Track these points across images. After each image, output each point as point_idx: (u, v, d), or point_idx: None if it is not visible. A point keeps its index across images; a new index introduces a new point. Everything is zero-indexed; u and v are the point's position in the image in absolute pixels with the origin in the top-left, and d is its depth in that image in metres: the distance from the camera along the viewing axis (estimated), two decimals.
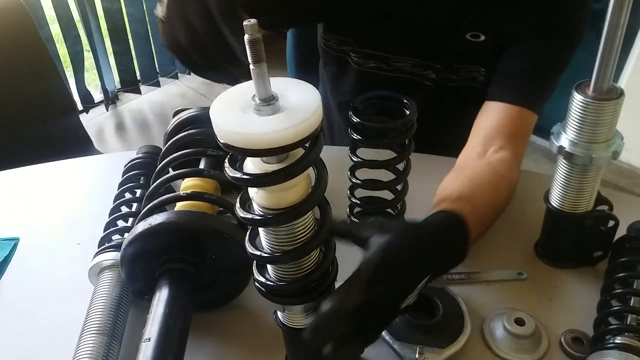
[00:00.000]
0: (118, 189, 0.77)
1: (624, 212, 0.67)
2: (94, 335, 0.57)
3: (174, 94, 2.76)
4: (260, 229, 0.46)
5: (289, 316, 0.51)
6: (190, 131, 0.71)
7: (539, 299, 0.66)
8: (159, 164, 0.70)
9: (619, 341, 0.54)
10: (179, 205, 0.65)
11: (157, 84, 2.70)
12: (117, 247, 0.65)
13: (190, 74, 2.84)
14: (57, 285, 0.70)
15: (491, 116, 0.79)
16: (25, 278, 0.72)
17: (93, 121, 2.59)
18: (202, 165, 0.75)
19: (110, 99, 2.61)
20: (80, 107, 2.51)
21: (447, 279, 0.67)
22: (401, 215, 0.72)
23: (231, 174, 0.41)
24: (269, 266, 0.48)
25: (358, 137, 0.64)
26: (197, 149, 0.69)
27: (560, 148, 0.59)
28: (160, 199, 0.61)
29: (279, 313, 0.52)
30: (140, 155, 0.82)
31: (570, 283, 0.68)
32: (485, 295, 0.66)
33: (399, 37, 0.89)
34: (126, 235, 0.68)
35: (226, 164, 0.42)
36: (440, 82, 0.90)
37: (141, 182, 0.78)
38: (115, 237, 0.69)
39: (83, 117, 2.54)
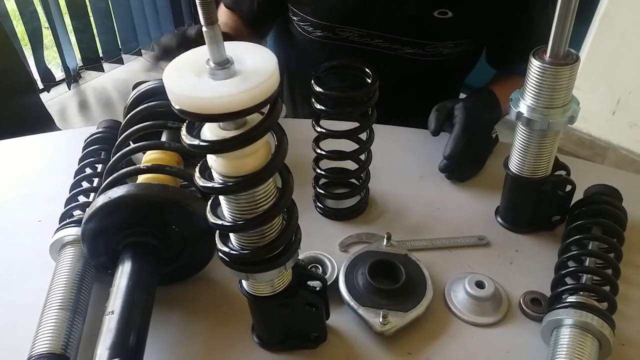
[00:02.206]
0: (78, 164, 0.75)
1: (581, 178, 0.69)
2: (56, 310, 0.56)
3: (138, 70, 2.69)
4: (222, 198, 0.45)
5: (253, 285, 0.52)
6: (150, 104, 0.69)
7: (499, 263, 0.67)
8: (119, 138, 0.68)
9: (573, 299, 0.57)
10: (141, 179, 0.64)
11: (120, 61, 2.61)
12: (78, 222, 0.64)
13: (154, 50, 2.76)
14: (18, 262, 0.69)
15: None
16: None
17: (55, 100, 2.50)
18: (163, 139, 0.74)
19: (72, 77, 2.52)
20: (40, 85, 2.42)
21: (410, 245, 0.69)
22: (365, 184, 0.73)
23: (188, 142, 0.40)
24: (232, 235, 0.48)
25: (320, 107, 0.64)
26: (157, 122, 0.67)
27: (519, 114, 0.60)
28: (121, 172, 0.60)
29: (243, 282, 0.53)
30: (100, 129, 0.80)
31: (529, 247, 0.70)
32: (448, 261, 0.68)
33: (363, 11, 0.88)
34: (86, 210, 0.67)
35: (183, 132, 0.41)
36: (406, 56, 0.90)
37: (102, 156, 0.76)
38: (77, 212, 0.67)
39: (44, 96, 2.46)
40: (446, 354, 0.58)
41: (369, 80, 0.63)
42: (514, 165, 0.66)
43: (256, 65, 0.38)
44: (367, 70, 0.63)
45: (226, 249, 0.48)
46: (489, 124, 0.80)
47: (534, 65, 0.57)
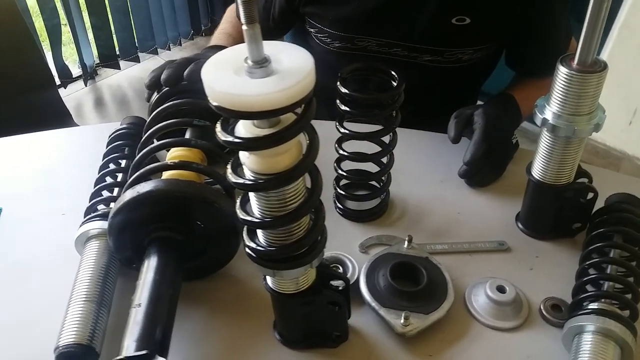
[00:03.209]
0: (103, 160, 0.76)
1: (602, 186, 0.69)
2: (82, 302, 0.57)
3: None
4: (252, 194, 0.46)
5: (279, 282, 0.52)
6: (176, 102, 0.70)
7: (520, 268, 0.68)
8: (144, 134, 0.69)
9: (595, 306, 0.57)
10: (166, 175, 0.65)
11: (137, 59, 2.64)
12: (103, 216, 0.65)
13: (170, 49, 2.79)
14: (43, 255, 0.70)
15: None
16: (10, 248, 0.71)
17: (71, 96, 2.53)
18: (187, 136, 0.74)
19: (89, 74, 2.55)
20: (57, 81, 2.45)
21: (431, 248, 0.69)
22: (386, 187, 0.73)
23: (223, 138, 0.41)
24: (259, 232, 0.49)
25: (346, 108, 0.65)
26: (183, 119, 0.68)
27: (544, 120, 0.60)
28: (148, 167, 0.61)
29: (268, 279, 0.53)
30: (124, 126, 0.81)
31: (550, 253, 0.70)
32: (468, 265, 0.68)
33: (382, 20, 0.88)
34: (112, 204, 0.68)
35: (218, 128, 0.42)
36: (425, 63, 0.91)
37: (125, 152, 0.77)
38: (101, 207, 0.69)
39: (61, 92, 2.48)
40: (467, 357, 0.58)
41: (394, 83, 0.64)
42: (537, 171, 0.66)
43: (293, 64, 0.38)
44: (392, 73, 0.64)
45: (253, 245, 0.48)
46: (509, 129, 0.80)
47: (562, 72, 0.57)
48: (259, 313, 0.62)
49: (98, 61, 2.60)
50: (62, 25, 2.38)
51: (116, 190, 0.71)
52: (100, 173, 0.73)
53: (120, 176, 0.73)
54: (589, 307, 0.57)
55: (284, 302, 0.54)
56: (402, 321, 0.58)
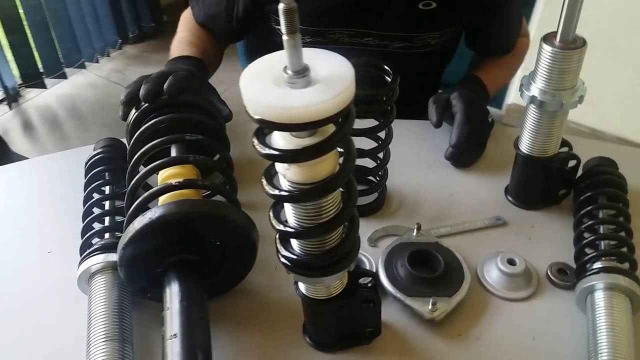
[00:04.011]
0: (85, 190, 0.72)
1: (577, 153, 0.73)
2: (103, 342, 0.54)
3: (84, 85, 2.57)
4: (288, 204, 0.45)
5: (314, 288, 0.52)
6: (162, 117, 0.67)
7: (519, 240, 0.71)
8: (133, 156, 0.66)
9: (600, 265, 0.61)
10: (166, 197, 0.62)
11: (63, 76, 2.49)
12: (104, 249, 0.62)
13: (98, 62, 2.66)
14: (38, 297, 0.65)
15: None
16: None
17: None
18: (173, 153, 0.72)
19: (12, 97, 2.38)
20: None
21: (436, 233, 0.71)
22: (384, 181, 0.74)
23: (263, 151, 0.40)
24: (294, 241, 0.48)
25: None
26: (175, 135, 0.66)
27: (533, 98, 0.63)
28: (151, 191, 0.58)
29: (302, 286, 0.53)
30: (99, 150, 0.77)
31: (542, 221, 0.74)
32: (471, 243, 0.70)
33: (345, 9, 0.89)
34: (107, 235, 0.64)
35: (255, 142, 0.41)
36: (396, 50, 0.92)
37: (107, 178, 0.74)
38: (95, 240, 0.65)
39: None
40: (493, 331, 0.60)
41: (388, 78, 0.65)
42: (525, 145, 0.69)
43: (332, 71, 0.38)
44: (386, 67, 0.65)
45: (289, 254, 0.48)
46: (484, 109, 0.84)
47: (546, 50, 0.60)
48: (285, 322, 0.61)
49: (20, 81, 2.43)
50: None
51: (107, 219, 0.68)
52: (87, 205, 0.69)
53: (107, 204, 0.70)
54: (594, 267, 0.61)
55: (319, 307, 0.54)
56: (429, 307, 0.59)
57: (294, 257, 0.48)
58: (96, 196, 0.71)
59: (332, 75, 0.37)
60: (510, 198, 0.76)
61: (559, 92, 0.62)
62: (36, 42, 2.35)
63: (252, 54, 1.24)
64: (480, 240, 0.71)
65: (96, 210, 0.69)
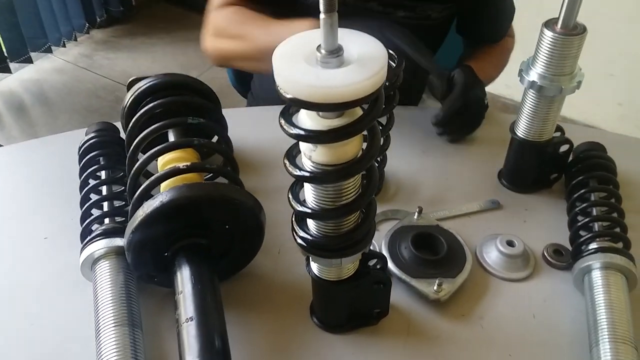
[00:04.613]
0: (80, 176, 0.70)
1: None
2: (113, 327, 0.53)
3: (50, 70, 2.48)
4: (309, 185, 0.45)
5: (327, 270, 0.52)
6: (162, 101, 0.66)
7: (515, 222, 0.73)
8: (133, 140, 0.64)
9: (595, 246, 0.63)
10: (170, 182, 0.61)
11: (29, 60, 2.39)
12: (105, 234, 0.60)
13: (65, 46, 2.57)
14: (37, 284, 0.64)
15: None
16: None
17: None
18: (172, 138, 0.71)
19: None
20: None
21: (434, 216, 0.72)
22: (383, 166, 0.75)
23: (292, 131, 0.40)
24: (311, 222, 0.48)
25: None
26: (177, 119, 0.65)
27: (532, 83, 0.65)
28: (159, 174, 0.57)
29: (315, 268, 0.53)
30: (92, 135, 0.75)
31: (536, 204, 0.76)
32: (469, 226, 0.72)
33: None
34: (107, 220, 0.63)
35: (282, 122, 0.40)
36: (398, 19, 0.92)
37: (102, 163, 0.72)
38: (95, 226, 0.63)
39: None
40: (495, 311, 0.62)
41: (393, 64, 0.65)
42: (521, 130, 0.71)
43: (365, 52, 0.38)
44: (391, 52, 0.65)
45: (307, 236, 0.48)
46: (483, 88, 0.84)
47: (547, 35, 0.62)
48: (292, 304, 0.62)
49: None
50: None
51: (106, 204, 0.66)
52: (84, 190, 0.67)
53: (105, 189, 0.68)
54: (590, 247, 0.63)
55: (331, 289, 0.55)
56: (435, 288, 0.61)
57: (311, 238, 0.49)
58: (92, 182, 0.69)
59: (365, 56, 0.38)
60: (504, 182, 0.78)
61: (558, 78, 0.64)
62: (0, 25, 2.25)
63: None
64: (477, 223, 0.73)
65: (94, 196, 0.68)
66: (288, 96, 0.37)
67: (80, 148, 0.73)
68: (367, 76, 0.36)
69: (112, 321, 0.54)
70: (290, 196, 0.47)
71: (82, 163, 0.71)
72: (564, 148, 0.75)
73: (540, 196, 0.77)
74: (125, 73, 2.49)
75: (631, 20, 1.88)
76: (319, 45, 0.37)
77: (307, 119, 0.40)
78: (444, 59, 1.08)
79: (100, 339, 0.53)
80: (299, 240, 0.49)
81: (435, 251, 0.65)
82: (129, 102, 0.71)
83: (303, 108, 0.39)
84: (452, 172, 0.80)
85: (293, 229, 0.49)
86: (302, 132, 0.39)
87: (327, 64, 0.37)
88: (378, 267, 0.56)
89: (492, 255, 0.67)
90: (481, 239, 0.69)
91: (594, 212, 0.68)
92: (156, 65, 2.58)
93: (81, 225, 0.64)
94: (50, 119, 2.26)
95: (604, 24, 1.68)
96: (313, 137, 0.40)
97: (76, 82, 2.45)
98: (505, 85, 2.28)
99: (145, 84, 0.70)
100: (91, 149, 0.73)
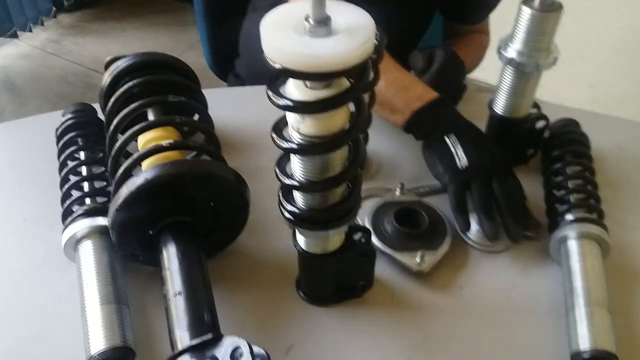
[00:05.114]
0: (59, 157, 0.68)
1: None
2: (100, 305, 0.53)
3: (17, 55, 2.41)
4: (297, 158, 0.46)
5: (314, 243, 0.53)
6: (141, 80, 0.65)
7: None
8: (111, 122, 0.63)
9: (571, 217, 0.65)
10: (149, 161, 0.60)
11: None
12: (87, 214, 0.60)
13: (31, 31, 2.49)
14: (26, 264, 0.63)
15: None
16: None
17: None
18: (150, 117, 0.70)
19: None
20: None
21: (415, 192, 0.73)
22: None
23: (282, 102, 0.40)
24: (298, 195, 0.49)
25: None
26: (158, 97, 0.64)
27: (510, 59, 0.66)
28: (142, 151, 0.57)
29: (302, 241, 0.54)
30: (69, 116, 0.73)
31: None
32: (446, 201, 0.73)
33: None
34: (88, 200, 0.62)
35: (270, 93, 0.41)
36: None
37: (80, 144, 0.70)
38: (76, 207, 0.63)
39: None
40: (475, 281, 0.64)
41: (375, 41, 0.65)
42: (499, 106, 0.73)
43: (352, 22, 0.38)
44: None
45: (294, 209, 0.49)
46: (461, 68, 0.86)
47: (525, 12, 0.63)
48: (278, 280, 0.62)
49: None
50: None
51: (86, 185, 0.65)
52: (63, 172, 0.66)
53: (84, 170, 0.67)
54: (566, 218, 0.65)
55: (317, 262, 0.55)
56: (417, 260, 0.62)
57: (298, 211, 0.49)
58: (71, 163, 0.68)
59: (353, 26, 0.38)
60: None
61: (535, 54, 0.65)
62: None
63: (213, 14, 1.20)
64: None
65: (73, 178, 0.67)
66: (276, 66, 0.37)
67: (57, 130, 0.72)
68: (356, 45, 0.36)
69: (98, 299, 0.53)
70: (277, 170, 0.47)
71: (60, 144, 0.70)
72: (541, 124, 0.76)
73: (517, 172, 0.78)
74: (95, 59, 2.43)
75: (602, 3, 1.92)
76: (307, 16, 0.37)
77: (294, 91, 0.41)
78: (425, 42, 1.10)
79: (87, 316, 0.52)
80: (287, 214, 0.49)
81: (417, 225, 0.66)
82: (108, 81, 0.69)
83: (292, 77, 0.39)
84: None
85: (280, 203, 0.50)
86: (290, 103, 0.40)
87: (315, 34, 0.37)
88: (363, 240, 0.57)
89: (471, 228, 0.68)
90: None
91: (570, 185, 0.70)
92: (127, 50, 2.50)
93: (62, 207, 0.63)
94: (18, 106, 2.20)
95: (575, 6, 1.72)
96: (302, 107, 0.40)
97: (44, 68, 2.39)
98: (481, 69, 2.32)
99: (124, 63, 0.69)
100: (69, 130, 0.71)
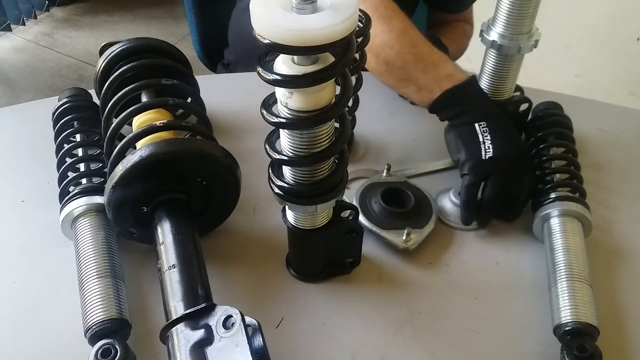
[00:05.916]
0: (55, 139, 0.70)
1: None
2: (97, 279, 0.54)
3: (10, 48, 2.41)
4: (285, 133, 0.48)
5: (303, 218, 0.55)
6: (134, 64, 0.67)
7: None
8: (106, 105, 0.65)
9: (555, 196, 0.67)
10: (143, 142, 0.62)
11: None
12: (84, 192, 0.62)
13: (24, 24, 2.49)
14: (17, 245, 0.64)
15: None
16: None
17: None
18: (144, 99, 0.71)
19: None
20: None
21: (402, 174, 0.75)
22: (352, 128, 0.77)
23: (271, 77, 0.42)
24: (288, 170, 0.51)
25: None
26: (151, 80, 0.66)
27: (493, 42, 0.68)
28: (137, 131, 0.58)
29: (291, 217, 0.56)
30: (65, 99, 0.75)
31: None
32: (435, 183, 0.75)
33: None
34: (84, 180, 0.64)
35: (259, 69, 0.42)
36: None
37: (76, 126, 0.72)
38: (72, 188, 0.64)
39: None
40: (461, 259, 0.66)
41: (360, 24, 0.67)
42: (483, 89, 0.75)
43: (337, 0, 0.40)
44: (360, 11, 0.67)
45: (283, 184, 0.51)
46: (447, 53, 0.83)
47: None
48: (268, 257, 0.64)
49: None
50: None
51: (82, 166, 0.67)
52: (60, 154, 0.68)
53: (80, 151, 0.69)
54: (549, 197, 0.68)
55: (305, 237, 0.57)
56: (403, 238, 0.64)
57: (287, 186, 0.51)
58: (67, 145, 0.70)
59: (337, 3, 0.40)
60: None
61: (516, 37, 0.67)
62: None
63: (202, 4, 1.21)
64: (442, 179, 0.76)
65: (69, 160, 0.68)
66: (266, 41, 0.39)
67: (54, 113, 0.74)
68: (341, 20, 0.38)
69: (95, 273, 0.55)
70: (267, 146, 0.49)
71: (57, 127, 0.72)
72: (524, 107, 0.79)
73: None
74: (88, 52, 2.44)
75: None
76: None
77: (283, 67, 0.42)
78: None
79: (84, 290, 0.54)
80: (276, 190, 0.51)
81: (403, 205, 0.68)
82: (102, 66, 0.71)
83: (280, 52, 0.41)
84: (419, 133, 0.84)
85: (270, 179, 0.52)
86: (278, 77, 0.41)
87: (302, 10, 0.39)
88: (350, 217, 0.59)
89: (447, 207, 0.71)
90: (438, 193, 0.73)
91: (553, 165, 0.72)
92: None
93: (59, 187, 0.64)
94: (12, 99, 2.20)
95: None
96: (290, 81, 0.42)
97: (38, 61, 2.39)
98: (467, 59, 2.34)
99: (118, 48, 0.71)
100: (65, 113, 0.73)
